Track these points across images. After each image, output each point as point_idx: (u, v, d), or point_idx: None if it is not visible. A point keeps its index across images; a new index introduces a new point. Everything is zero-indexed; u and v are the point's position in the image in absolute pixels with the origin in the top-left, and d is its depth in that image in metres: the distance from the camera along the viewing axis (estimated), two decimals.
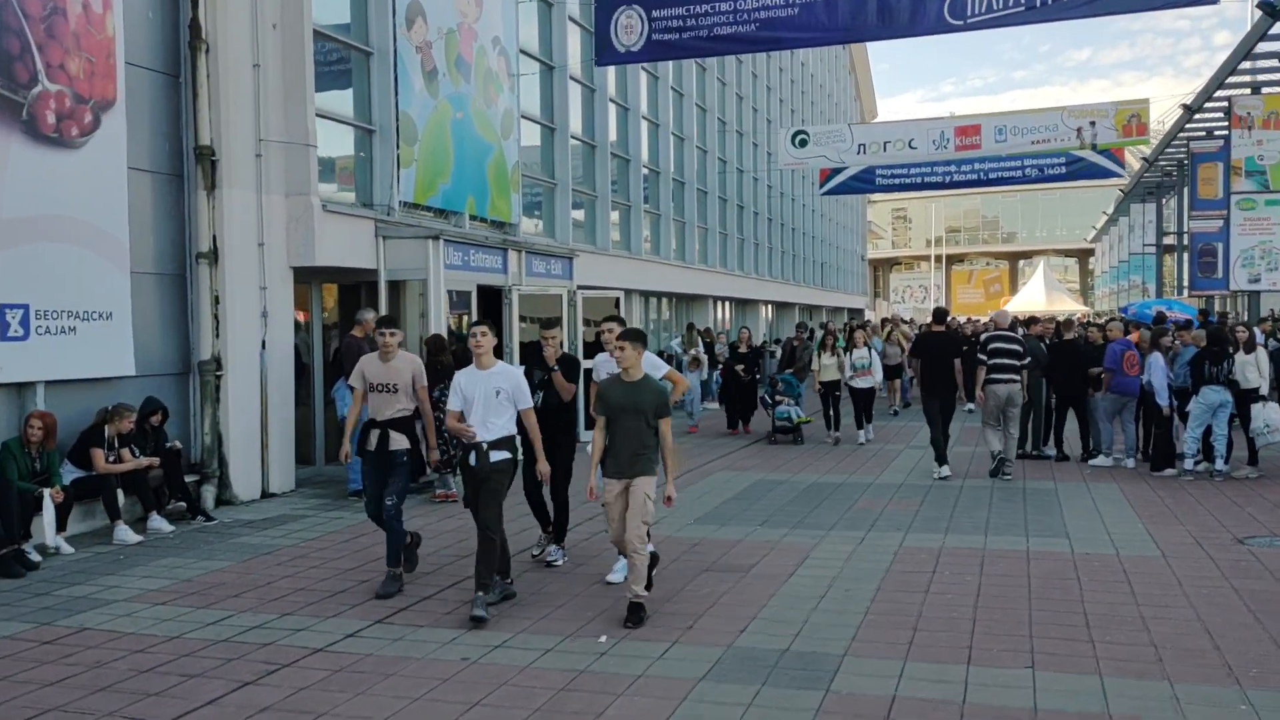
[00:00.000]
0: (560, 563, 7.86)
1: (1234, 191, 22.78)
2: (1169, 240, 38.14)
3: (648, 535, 6.68)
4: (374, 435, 7.13)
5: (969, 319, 28.52)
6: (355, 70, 12.69)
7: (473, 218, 14.59)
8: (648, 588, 6.54)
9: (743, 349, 16.03)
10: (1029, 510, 9.94)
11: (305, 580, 7.43)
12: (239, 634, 6.15)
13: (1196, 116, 26.36)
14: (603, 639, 6.02)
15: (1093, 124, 23.97)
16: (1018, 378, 11.83)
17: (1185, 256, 34.92)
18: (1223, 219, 27.89)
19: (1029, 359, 12.16)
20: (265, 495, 10.75)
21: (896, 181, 29.46)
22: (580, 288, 15.93)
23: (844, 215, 48.47)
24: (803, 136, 25.67)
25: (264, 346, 10.61)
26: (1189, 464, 11.56)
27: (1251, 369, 11.59)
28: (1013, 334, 12.28)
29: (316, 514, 10.00)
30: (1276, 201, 22.55)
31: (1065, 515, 9.65)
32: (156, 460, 9.11)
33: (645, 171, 22.66)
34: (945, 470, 11.92)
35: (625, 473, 6.45)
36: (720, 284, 27.69)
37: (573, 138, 18.39)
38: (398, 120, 12.72)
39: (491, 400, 6.61)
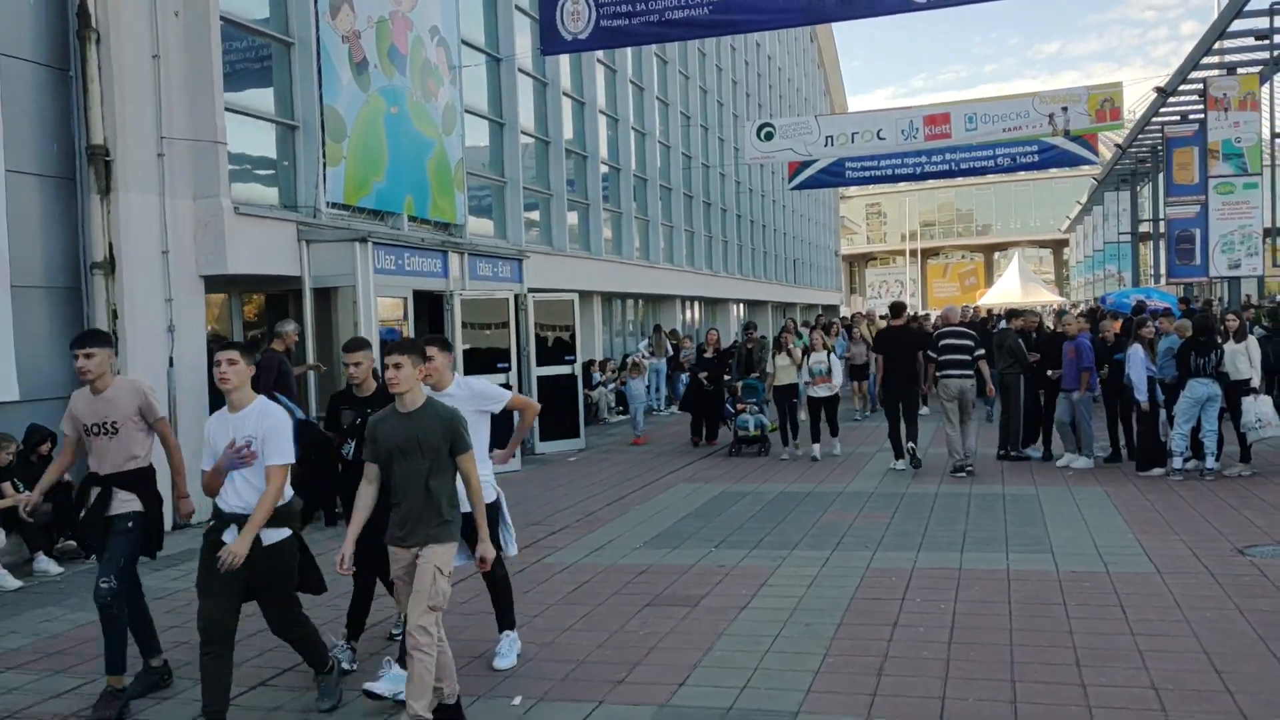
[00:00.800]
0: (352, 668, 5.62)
1: (1212, 175, 22.12)
2: (1145, 228, 37.60)
3: (437, 627, 4.66)
4: (93, 493, 5.35)
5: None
6: (275, 62, 11.77)
7: (412, 219, 13.70)
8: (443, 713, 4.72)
9: (709, 353, 14.59)
10: (1009, 520, 9.13)
11: (190, 631, 6.52)
12: (89, 705, 5.24)
13: (1170, 100, 25.73)
14: (516, 700, 5.16)
15: (1065, 110, 23.33)
16: (970, 372, 11.85)
17: (1162, 244, 34.44)
18: (1200, 204, 27.29)
19: (980, 351, 11.98)
20: (175, 528, 9.81)
21: (867, 174, 28.76)
22: (532, 291, 15.06)
23: (816, 211, 47.77)
24: (768, 129, 24.92)
25: (171, 364, 9.68)
26: (1177, 463, 10.79)
27: (1242, 359, 10.85)
28: (963, 328, 12.38)
29: None
30: (1255, 184, 21.90)
31: (1049, 525, 8.85)
32: (38, 497, 8.15)
33: (604, 169, 21.81)
34: (900, 464, 12.18)
35: (409, 539, 4.70)
36: (688, 283, 26.86)
37: (524, 134, 17.51)
38: (322, 115, 11.82)
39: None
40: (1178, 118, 27.58)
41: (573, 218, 20.37)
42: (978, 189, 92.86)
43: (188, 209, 9.93)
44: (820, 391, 13.36)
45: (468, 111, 15.56)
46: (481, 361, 13.10)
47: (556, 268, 17.99)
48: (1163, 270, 39.14)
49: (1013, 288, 55.52)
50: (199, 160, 9.96)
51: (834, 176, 28.73)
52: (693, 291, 27.47)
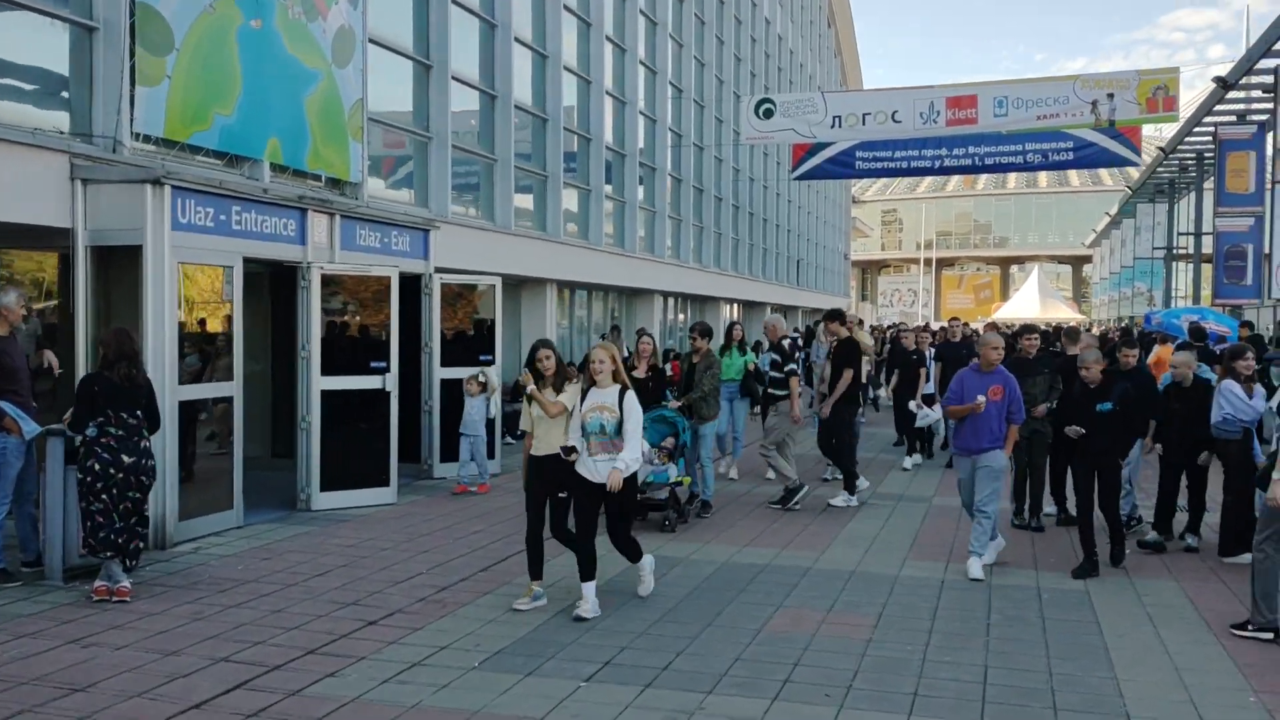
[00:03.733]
0: None
1: (1278, 180, 18.87)
2: (1185, 242, 34.25)
3: None
4: None
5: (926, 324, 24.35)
6: None
7: (279, 169, 10.55)
8: None
9: (639, 370, 9.48)
10: (1052, 646, 5.95)
11: None
12: None
13: (1228, 96, 22.48)
14: None
15: (1111, 97, 20.23)
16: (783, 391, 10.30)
17: (1202, 260, 31.18)
18: (1255, 216, 24.14)
19: (791, 367, 10.29)
20: None
21: (879, 166, 25.46)
22: (441, 270, 11.92)
23: (825, 209, 44.53)
24: (768, 106, 21.86)
25: None
26: None
27: None
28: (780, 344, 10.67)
29: None
30: None
31: (1115, 662, 5.67)
32: None
33: (570, 137, 18.64)
34: (840, 500, 10.37)
35: None
36: (670, 277, 23.67)
37: (456, 79, 14.33)
38: (132, 16, 8.67)
39: None
40: (1234, 117, 24.34)
41: (526, 198, 17.22)
42: (997, 200, 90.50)
43: None
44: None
45: (377, 43, 12.41)
46: (347, 360, 9.96)
47: (489, 247, 14.84)
48: (1205, 290, 35.93)
49: (1031, 302, 52.36)
50: None
51: (842, 167, 25.47)
52: (675, 287, 24.29)
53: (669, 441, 9.28)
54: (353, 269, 10.08)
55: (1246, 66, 19.59)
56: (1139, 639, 6.13)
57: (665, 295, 24.62)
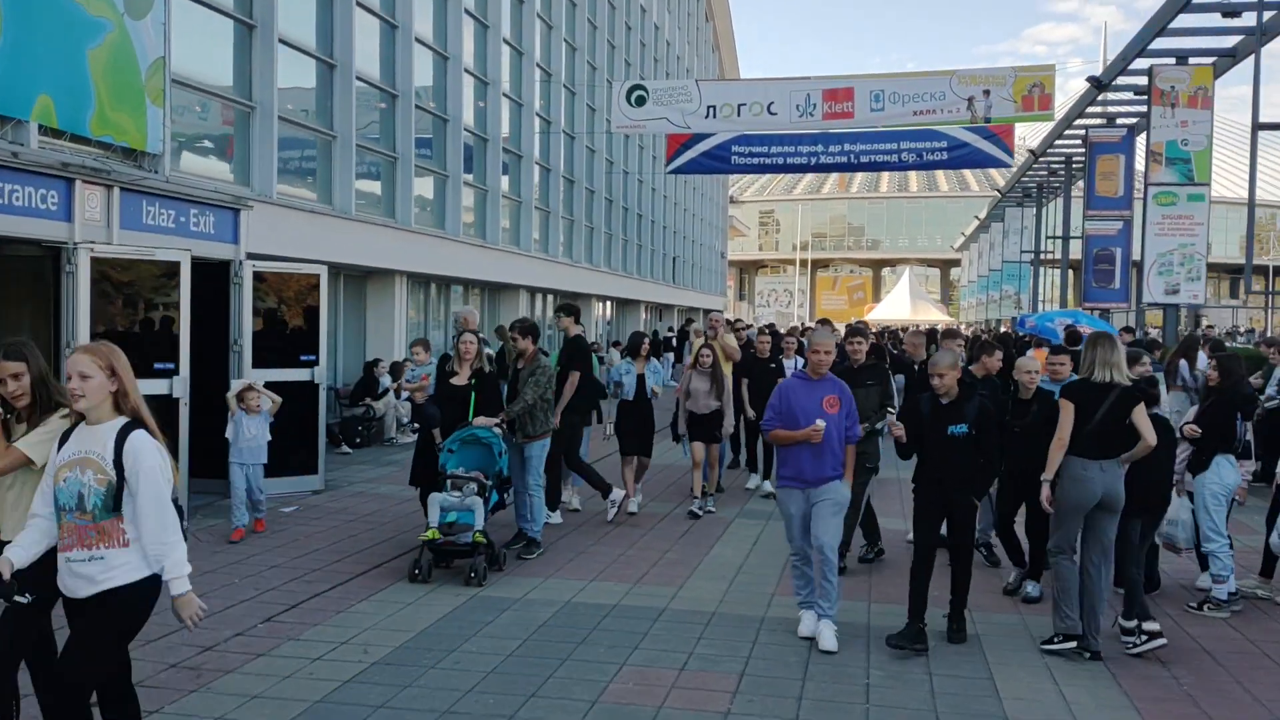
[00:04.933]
0: None
1: (1152, 183, 18.68)
2: (1053, 246, 34.64)
3: None
4: None
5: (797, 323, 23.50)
6: None
7: (53, 132, 8.87)
8: None
9: (459, 378, 7.74)
10: (943, 715, 4.93)
11: None
12: None
13: (1100, 99, 22.43)
14: None
15: (987, 93, 19.86)
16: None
17: (1070, 265, 31.53)
18: (1124, 220, 24.24)
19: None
20: None
21: (755, 161, 24.73)
22: (258, 258, 10.39)
23: (702, 207, 43.82)
24: (640, 93, 20.77)
25: None
26: (1220, 591, 6.81)
27: None
28: None
29: None
30: (1201, 196, 18.52)
31: None
32: None
33: (423, 116, 17.17)
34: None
35: None
36: (536, 272, 22.35)
37: (285, 43, 12.75)
38: None
39: None
40: (1104, 120, 24.39)
41: (373, 183, 15.70)
42: (870, 203, 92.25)
43: None
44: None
45: (203, 3, 10.79)
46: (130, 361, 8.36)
47: (327, 233, 13.31)
48: (1063, 295, 36.49)
49: (902, 304, 52.94)
50: None
51: (718, 162, 24.63)
52: (543, 282, 22.98)
53: (475, 474, 7.46)
54: (133, 251, 8.50)
55: (1121, 66, 19.41)
56: (1042, 706, 5.17)
57: (533, 291, 23.29)
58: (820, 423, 5.92)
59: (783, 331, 17.36)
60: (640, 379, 9.76)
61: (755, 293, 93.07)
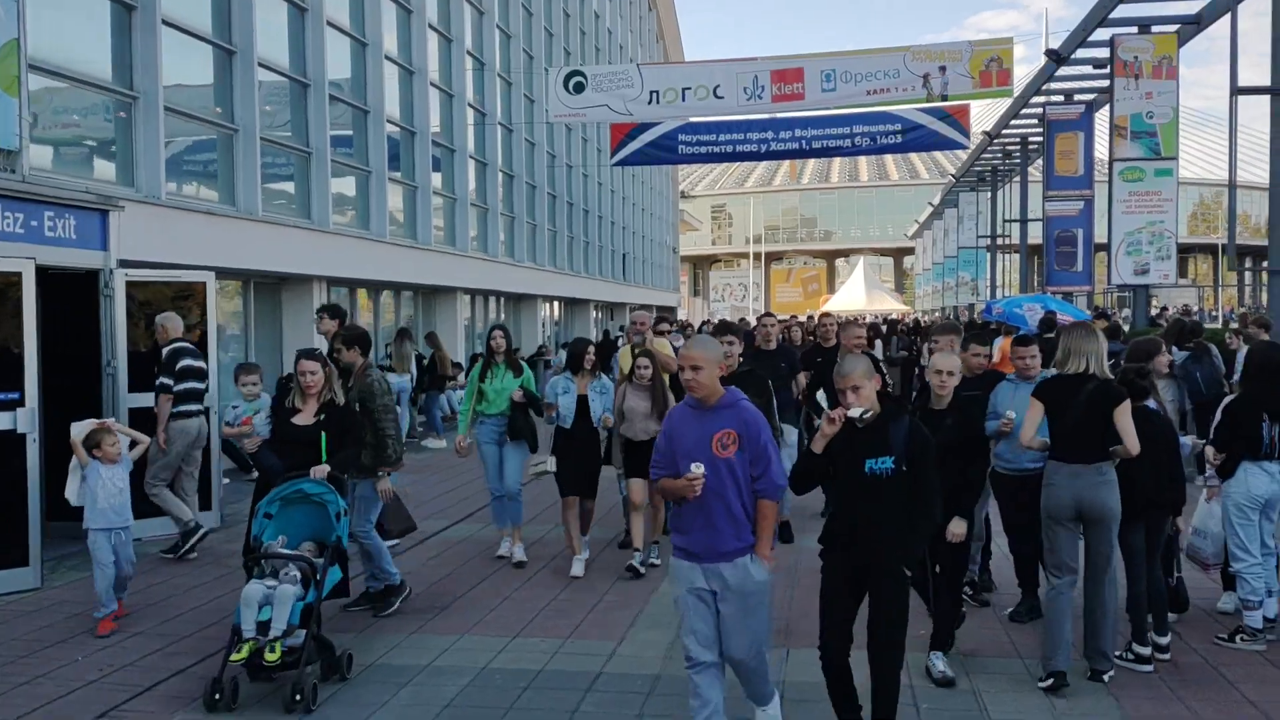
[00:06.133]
0: None
1: (1118, 158, 17.83)
2: (1009, 230, 33.92)
3: None
4: None
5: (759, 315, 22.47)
6: None
7: None
8: None
9: (303, 415, 6.03)
10: None
11: None
12: None
13: (1058, 75, 21.60)
14: None
15: (943, 70, 18.99)
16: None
17: (1027, 248, 30.78)
18: (1085, 199, 23.44)
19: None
20: None
21: (703, 150, 23.62)
22: (135, 265, 9.07)
23: (651, 201, 42.68)
24: (579, 79, 19.71)
25: None
26: (1254, 619, 5.78)
27: None
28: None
29: None
30: (1169, 171, 17.70)
31: None
32: None
33: (343, 108, 15.86)
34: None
35: None
36: (475, 273, 21.06)
37: (171, 25, 11.37)
38: None
39: None
40: (1061, 97, 23.59)
41: (284, 184, 14.37)
42: (821, 194, 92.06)
43: None
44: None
45: None
46: None
47: (228, 237, 11.98)
48: (1027, 279, 35.76)
49: (857, 294, 52.26)
50: None
51: (665, 152, 23.50)
52: (483, 284, 21.69)
53: (307, 547, 5.56)
54: None
55: (1081, 37, 18.55)
56: None
57: (473, 294, 22.00)
58: (697, 469, 4.15)
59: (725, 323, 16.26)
60: (582, 400, 7.68)
61: (710, 287, 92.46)
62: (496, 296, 23.99)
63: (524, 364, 8.52)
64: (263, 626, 5.09)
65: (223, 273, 11.59)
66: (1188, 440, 6.53)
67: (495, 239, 22.76)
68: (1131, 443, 5.16)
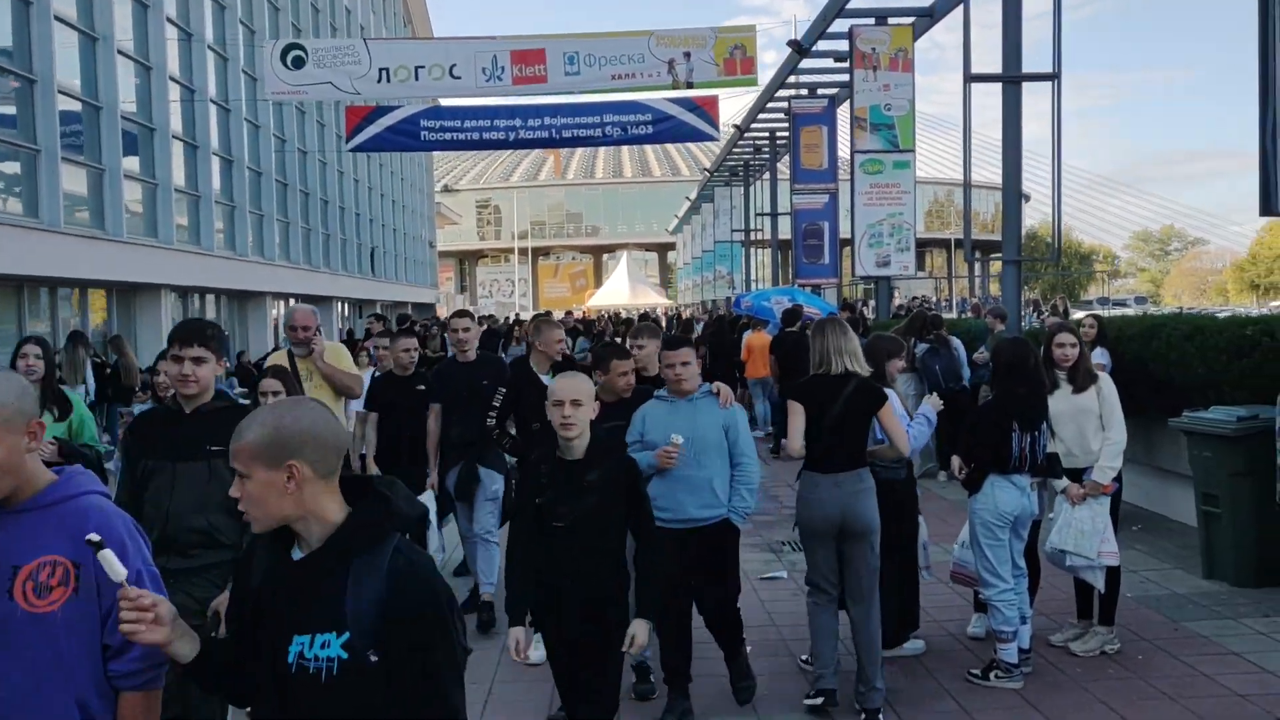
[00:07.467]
0: None
1: (859, 150, 17.79)
2: (762, 224, 34.32)
3: None
4: None
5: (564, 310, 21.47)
6: None
7: None
8: None
9: None
10: None
11: None
12: None
13: (802, 68, 21.55)
14: None
15: (688, 56, 18.54)
16: None
17: (778, 243, 31.15)
18: (829, 193, 23.65)
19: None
20: None
21: (448, 137, 22.21)
22: None
23: (404, 193, 40.62)
24: (298, 53, 17.90)
25: None
26: (1007, 652, 5.05)
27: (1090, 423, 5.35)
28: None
29: None
30: (907, 164, 17.82)
31: None
32: None
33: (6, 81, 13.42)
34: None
35: None
36: (184, 269, 18.73)
37: None
38: None
39: None
40: (806, 91, 23.68)
41: None
42: (587, 189, 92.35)
43: None
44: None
45: None
46: None
47: None
48: (780, 273, 36.36)
49: (621, 289, 52.24)
50: None
51: (406, 138, 21.88)
52: (196, 281, 19.38)
53: None
54: None
55: (821, 28, 18.38)
56: None
57: (182, 291, 19.62)
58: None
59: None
60: None
61: (477, 283, 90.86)
62: (218, 295, 21.63)
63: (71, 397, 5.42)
64: None
65: None
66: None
67: (210, 229, 20.42)
68: (902, 442, 4.81)
